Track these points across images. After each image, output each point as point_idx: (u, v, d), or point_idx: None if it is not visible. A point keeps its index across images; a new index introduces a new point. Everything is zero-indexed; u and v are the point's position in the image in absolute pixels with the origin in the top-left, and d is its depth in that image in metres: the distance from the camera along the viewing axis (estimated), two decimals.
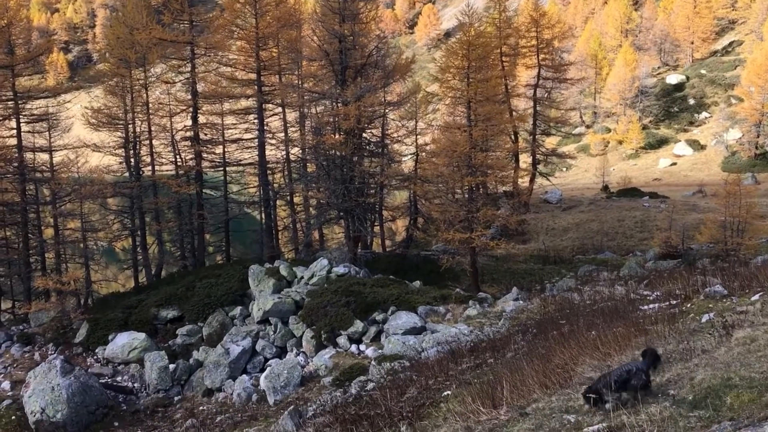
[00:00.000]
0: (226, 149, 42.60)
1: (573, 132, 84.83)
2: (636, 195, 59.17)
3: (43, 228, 39.26)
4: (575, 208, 55.59)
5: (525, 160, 57.89)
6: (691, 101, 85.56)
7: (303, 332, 28.02)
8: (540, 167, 56.19)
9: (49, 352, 30.27)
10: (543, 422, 8.86)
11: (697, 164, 75.63)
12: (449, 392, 13.42)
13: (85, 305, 35.93)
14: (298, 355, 27.39)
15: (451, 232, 32.11)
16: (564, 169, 77.81)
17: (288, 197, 44.63)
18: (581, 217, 52.17)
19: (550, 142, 69.02)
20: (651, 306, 16.70)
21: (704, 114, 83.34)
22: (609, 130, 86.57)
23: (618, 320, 14.61)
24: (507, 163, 43.85)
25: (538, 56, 54.47)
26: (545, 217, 53.25)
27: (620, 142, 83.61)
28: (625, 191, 61.42)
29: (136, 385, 28.21)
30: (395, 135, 42.19)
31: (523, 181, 54.58)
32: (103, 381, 27.69)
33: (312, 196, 41.28)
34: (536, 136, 55.09)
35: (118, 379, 28.73)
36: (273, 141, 43.11)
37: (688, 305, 15.17)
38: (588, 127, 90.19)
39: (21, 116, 36.45)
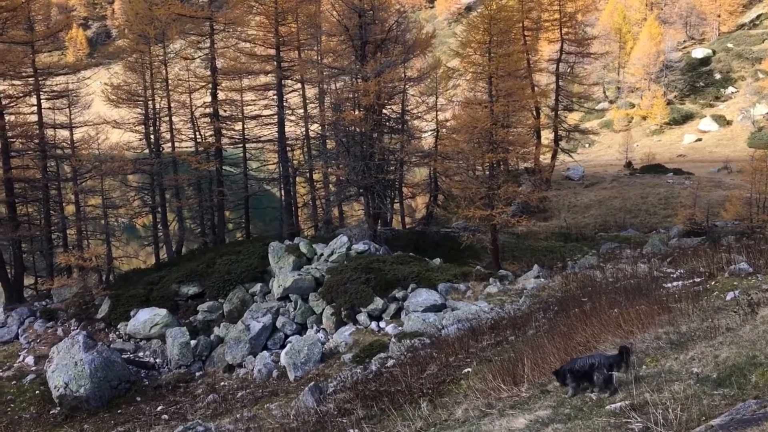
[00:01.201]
0: (245, 126, 42.52)
1: (596, 107, 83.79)
2: (660, 171, 58.49)
3: (64, 204, 39.53)
4: (598, 184, 55.11)
5: (547, 136, 57.31)
6: (717, 76, 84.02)
7: (323, 309, 28.11)
8: (562, 143, 55.64)
9: (72, 328, 30.60)
10: (564, 400, 8.86)
11: (722, 140, 74.36)
12: (470, 369, 13.47)
13: (107, 281, 36.23)
14: (318, 331, 27.48)
15: (471, 209, 31.92)
16: (586, 145, 76.99)
17: (307, 174, 44.53)
18: (604, 194, 51.71)
19: (573, 117, 68.24)
20: (674, 284, 16.68)
21: (730, 89, 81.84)
22: (633, 106, 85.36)
23: (641, 298, 14.56)
24: (528, 140, 43.42)
25: (560, 30, 53.63)
26: (567, 193, 52.87)
27: (644, 118, 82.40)
28: (649, 168, 60.74)
29: (157, 360, 28.47)
30: (415, 111, 41.83)
31: (545, 158, 54.07)
32: (125, 356, 27.98)
33: (332, 173, 41.11)
34: (558, 112, 54.51)
35: (140, 354, 29.02)
36: (292, 117, 42.94)
37: (713, 283, 15.15)
38: (611, 102, 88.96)
39: (41, 93, 36.52)
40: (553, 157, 54.74)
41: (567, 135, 56.33)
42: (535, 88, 52.47)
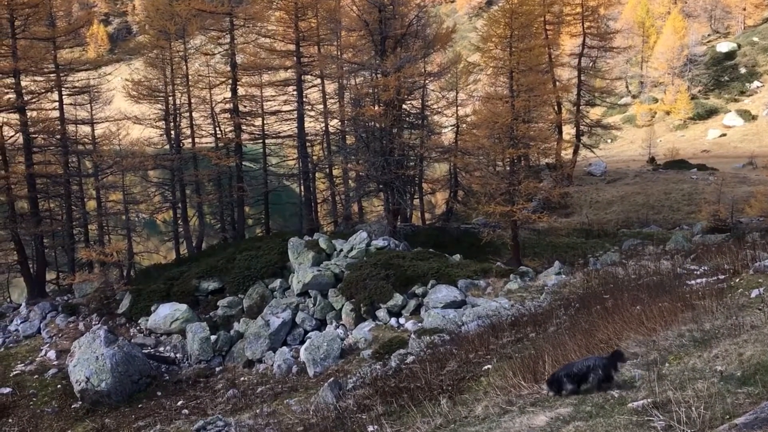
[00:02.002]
0: (265, 121, 42.64)
1: (618, 102, 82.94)
2: (683, 167, 57.82)
3: (85, 200, 39.92)
4: (620, 180, 54.65)
5: (568, 131, 56.79)
6: (743, 70, 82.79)
7: (342, 305, 28.07)
8: (584, 139, 55.18)
9: (93, 323, 30.79)
10: (586, 397, 8.78)
11: (747, 135, 73.25)
12: (490, 366, 13.46)
13: (128, 276, 36.46)
14: (338, 327, 27.44)
15: (492, 205, 31.73)
16: (609, 140, 76.20)
17: (327, 170, 44.51)
18: (626, 190, 51.28)
19: (595, 112, 67.50)
20: (698, 281, 16.62)
21: (756, 83, 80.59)
22: (656, 101, 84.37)
23: (664, 295, 14.52)
24: (550, 135, 42.95)
25: (583, 24, 53.19)
26: (589, 189, 52.49)
27: (668, 113, 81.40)
28: (672, 163, 60.07)
29: (178, 355, 28.56)
30: (435, 106, 41.66)
31: (567, 153, 53.67)
32: (146, 351, 28.10)
33: (351, 169, 41.07)
34: (580, 107, 54.08)
35: (161, 349, 29.13)
36: (312, 113, 42.95)
37: (737, 280, 15.02)
38: (634, 97, 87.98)
39: (63, 89, 36.84)
40: (575, 152, 54.36)
41: (589, 130, 55.84)
42: (557, 83, 52.07)
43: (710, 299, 12.55)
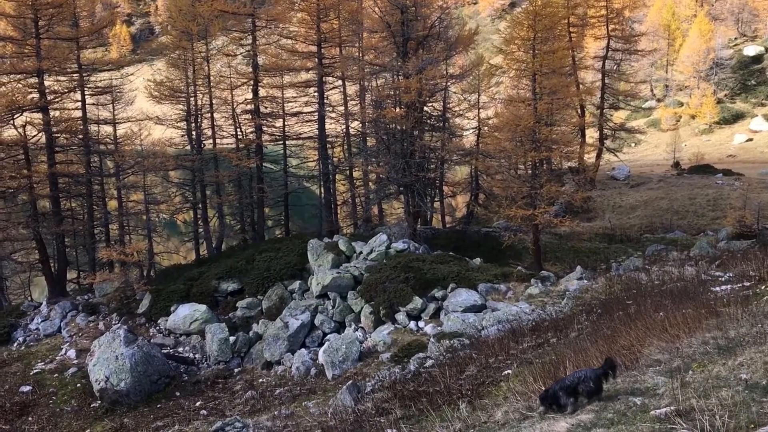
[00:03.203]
0: (286, 123, 42.69)
1: (643, 106, 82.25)
2: (709, 172, 57.13)
3: (107, 200, 40.17)
4: (644, 185, 54.14)
5: (592, 135, 56.37)
6: None
7: (361, 308, 27.95)
8: (607, 142, 54.74)
9: (113, 322, 30.88)
10: (607, 404, 8.64)
11: None
12: (510, 371, 13.36)
13: (148, 276, 36.62)
14: (357, 330, 27.31)
15: (513, 208, 31.48)
16: (632, 144, 75.50)
17: (347, 171, 44.48)
18: (650, 195, 50.76)
19: (619, 116, 67.04)
20: (723, 287, 16.52)
21: None
22: (681, 104, 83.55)
23: (688, 302, 14.42)
24: (573, 138, 42.76)
25: (607, 26, 52.81)
26: (612, 194, 52.07)
27: (693, 117, 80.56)
28: (697, 168, 59.39)
29: (197, 356, 28.55)
30: (457, 109, 41.47)
31: (590, 157, 53.21)
32: (165, 351, 28.14)
33: (372, 171, 40.99)
34: (604, 110, 53.65)
35: (180, 349, 29.14)
36: (333, 114, 42.98)
37: (763, 287, 14.92)
38: (659, 100, 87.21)
39: (85, 89, 37.08)
40: (598, 156, 53.91)
41: (612, 134, 55.41)
42: (580, 86, 51.71)
43: (735, 306, 12.38)
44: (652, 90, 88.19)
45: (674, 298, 15.58)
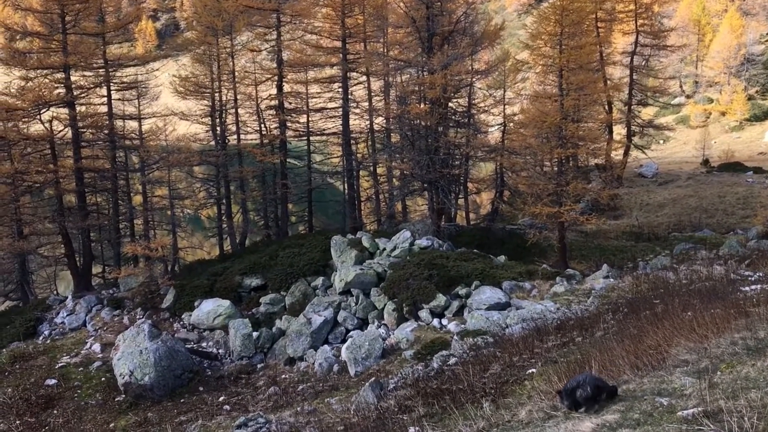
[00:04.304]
0: (310, 118, 42.70)
1: (672, 102, 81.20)
2: (739, 170, 56.41)
3: (132, 195, 40.40)
4: (672, 182, 53.57)
5: (619, 131, 55.84)
6: None
7: (385, 304, 27.81)
8: (635, 139, 54.24)
9: (138, 317, 31.03)
10: (633, 404, 8.45)
11: None
12: (534, 370, 13.25)
13: (172, 271, 36.79)
14: (380, 327, 27.19)
15: (538, 206, 31.22)
16: (661, 141, 74.58)
17: (371, 168, 44.37)
18: (678, 193, 50.18)
19: (647, 112, 66.27)
20: (753, 287, 16.40)
21: None
22: (711, 101, 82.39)
23: (716, 301, 14.28)
24: (600, 135, 42.23)
25: (636, 21, 52.33)
26: (639, 191, 51.58)
27: (723, 114, 79.37)
28: (727, 166, 58.67)
29: (220, 351, 28.59)
30: (482, 105, 41.24)
31: (617, 154, 52.78)
32: (188, 346, 28.19)
33: (396, 167, 40.88)
34: (632, 107, 53.19)
35: (203, 344, 29.21)
36: (357, 110, 42.92)
37: None
38: (688, 97, 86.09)
39: (111, 84, 37.28)
40: (626, 153, 53.50)
41: (640, 131, 54.93)
42: (608, 82, 51.31)
43: (765, 306, 12.13)
44: (681, 86, 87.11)
45: (702, 297, 15.39)
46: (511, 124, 39.63)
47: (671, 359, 10.31)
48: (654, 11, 54.33)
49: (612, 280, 26.17)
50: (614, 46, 56.58)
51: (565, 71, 31.95)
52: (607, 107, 50.89)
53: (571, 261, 33.78)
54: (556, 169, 34.02)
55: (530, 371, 13.23)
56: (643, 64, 54.19)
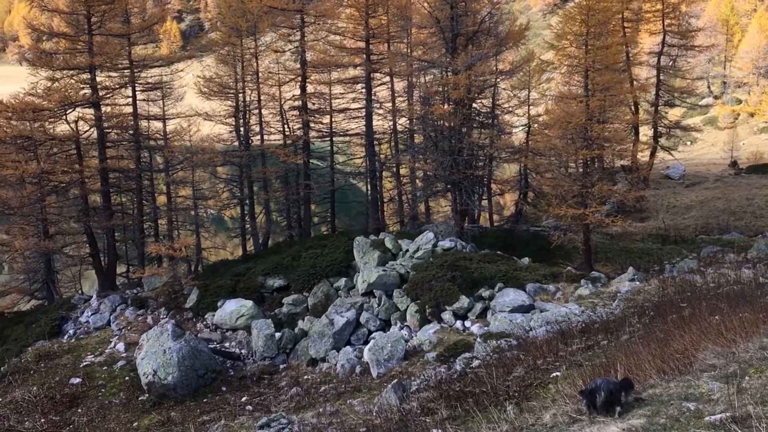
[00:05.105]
0: (333, 119, 42.73)
1: (699, 103, 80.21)
2: None
3: (156, 195, 40.64)
4: (699, 184, 53.07)
5: (646, 132, 55.38)
6: None
7: (407, 306, 27.73)
8: (662, 140, 53.78)
9: (161, 316, 31.19)
10: (660, 409, 8.53)
11: None
12: (558, 373, 13.24)
13: (195, 272, 36.99)
14: (402, 328, 27.10)
15: (563, 207, 30.93)
16: (688, 143, 73.84)
17: (394, 168, 44.34)
18: (706, 195, 49.65)
19: (674, 113, 65.54)
20: None
21: None
22: (739, 102, 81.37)
23: (744, 305, 14.30)
24: (626, 136, 41.93)
25: (663, 21, 51.87)
26: (666, 193, 51.14)
27: (752, 115, 78.31)
28: (756, 167, 58.06)
29: (243, 351, 28.66)
30: (506, 105, 40.97)
31: (643, 155, 52.35)
32: (211, 346, 28.29)
33: (419, 168, 40.77)
34: (659, 108, 52.76)
35: (226, 344, 29.30)
36: (380, 111, 42.92)
37: None
38: (716, 98, 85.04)
39: (136, 84, 37.56)
40: (652, 154, 53.03)
41: (667, 132, 54.47)
42: (634, 83, 50.91)
43: None
44: (709, 87, 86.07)
45: (730, 301, 15.33)
46: (536, 125, 39.39)
47: (698, 364, 10.32)
48: (681, 11, 53.90)
49: (638, 283, 26.03)
50: (641, 46, 56.17)
51: (590, 71, 31.68)
52: (633, 108, 50.54)
53: (596, 263, 33.47)
54: (581, 170, 33.70)
55: (555, 374, 13.18)
56: (670, 64, 53.78)
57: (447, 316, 26.43)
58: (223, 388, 25.75)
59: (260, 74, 40.24)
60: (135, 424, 23.73)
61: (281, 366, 27.48)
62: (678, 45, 53.62)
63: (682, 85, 58.35)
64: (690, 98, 61.79)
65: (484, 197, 41.58)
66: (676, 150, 56.07)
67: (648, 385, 9.84)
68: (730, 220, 44.23)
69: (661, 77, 52.55)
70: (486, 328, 24.65)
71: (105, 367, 27.64)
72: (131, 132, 37.33)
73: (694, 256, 33.02)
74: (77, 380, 26.70)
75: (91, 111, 35.90)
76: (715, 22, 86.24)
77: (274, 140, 42.66)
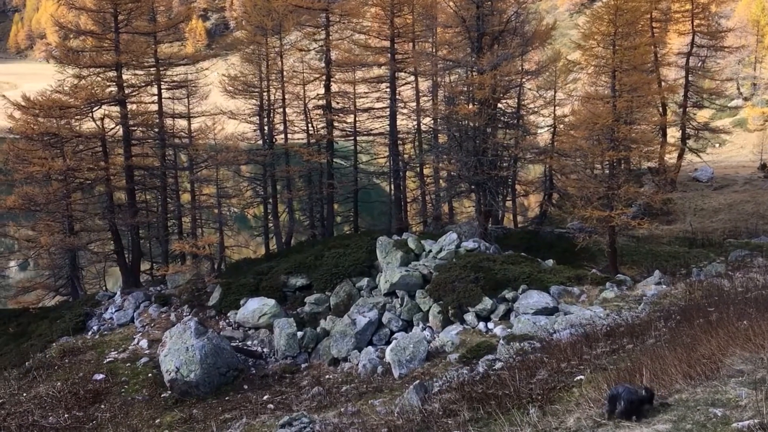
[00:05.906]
0: (357, 118, 42.74)
1: (728, 105, 79.12)
2: None
3: (180, 193, 40.90)
4: (728, 187, 52.37)
5: (673, 134, 54.70)
6: None
7: (430, 307, 27.62)
8: (690, 142, 53.12)
9: (184, 314, 31.33)
10: (686, 414, 8.43)
11: None
12: (582, 377, 13.09)
13: (218, 269, 37.10)
14: (425, 329, 27.01)
15: (588, 209, 30.63)
16: (717, 145, 72.74)
17: (418, 168, 44.25)
18: (734, 198, 49.03)
19: (703, 115, 64.68)
20: None
21: None
22: None
23: None
24: (653, 138, 41.46)
25: (692, 22, 51.23)
26: (693, 196, 50.57)
27: None
28: None
29: (265, 350, 28.71)
30: (532, 106, 40.77)
31: (671, 157, 51.77)
32: (233, 344, 28.37)
33: (443, 168, 40.63)
34: (687, 109, 52.16)
35: (248, 343, 29.36)
36: (404, 110, 42.83)
37: None
38: (746, 99, 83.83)
39: (162, 83, 37.83)
40: (680, 156, 52.39)
41: (695, 133, 53.83)
42: (663, 83, 50.37)
43: None
44: (738, 88, 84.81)
45: (759, 306, 15.09)
46: (561, 126, 39.06)
47: (726, 369, 10.18)
48: (711, 11, 53.23)
49: (664, 286, 25.74)
50: (669, 46, 55.49)
51: (618, 72, 31.35)
52: (661, 109, 50.03)
53: (621, 266, 33.12)
54: (607, 171, 33.38)
55: (578, 378, 13.03)
56: (699, 65, 53.13)
57: (470, 317, 26.29)
58: (245, 387, 25.78)
59: (285, 73, 40.30)
60: (157, 420, 23.80)
61: (303, 365, 27.47)
62: (707, 45, 52.96)
63: (711, 87, 57.49)
64: (719, 100, 61.01)
65: (508, 198, 41.35)
66: (704, 152, 55.31)
67: (674, 390, 9.71)
68: (759, 223, 43.66)
69: (690, 78, 51.96)
70: (509, 330, 24.50)
71: (128, 364, 27.79)
72: (156, 130, 37.61)
73: (722, 260, 32.53)
74: (101, 376, 26.86)
75: (117, 109, 36.21)
76: (745, 22, 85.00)
77: (298, 139, 42.75)
